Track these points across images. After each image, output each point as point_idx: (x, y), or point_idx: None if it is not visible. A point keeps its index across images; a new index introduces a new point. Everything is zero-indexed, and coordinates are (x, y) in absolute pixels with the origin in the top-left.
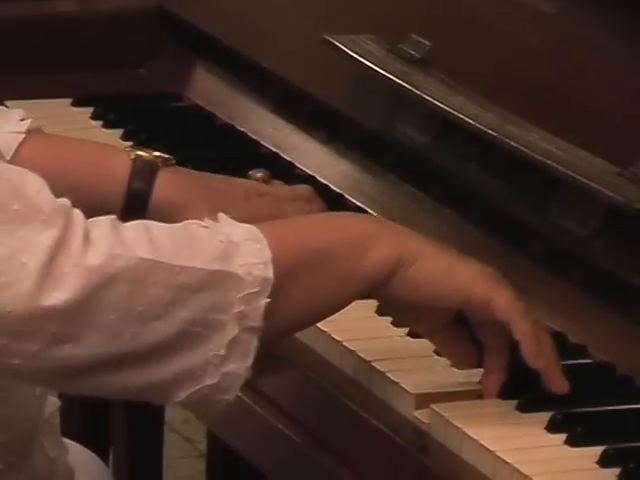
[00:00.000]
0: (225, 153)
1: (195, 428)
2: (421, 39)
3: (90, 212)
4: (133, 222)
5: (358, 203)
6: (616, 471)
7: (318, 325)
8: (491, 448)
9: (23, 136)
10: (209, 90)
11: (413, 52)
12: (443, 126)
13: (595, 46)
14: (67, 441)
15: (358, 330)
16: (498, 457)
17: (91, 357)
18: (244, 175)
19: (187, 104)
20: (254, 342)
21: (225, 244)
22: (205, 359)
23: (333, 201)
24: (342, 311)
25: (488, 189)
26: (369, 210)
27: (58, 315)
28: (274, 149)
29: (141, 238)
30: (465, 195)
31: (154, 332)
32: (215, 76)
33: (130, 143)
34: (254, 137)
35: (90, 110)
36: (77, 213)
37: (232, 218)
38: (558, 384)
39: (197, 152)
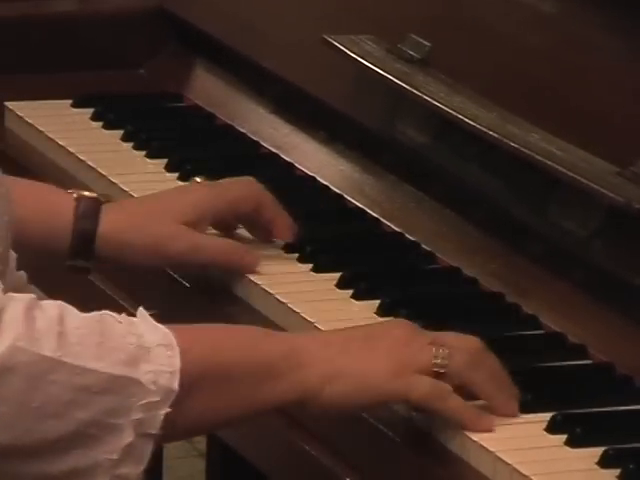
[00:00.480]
0: (225, 153)
1: None
2: (421, 39)
3: (41, 243)
4: (50, 306)
5: (358, 203)
6: (616, 472)
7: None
8: (491, 449)
9: None
10: (209, 90)
11: (413, 52)
12: (443, 126)
13: (595, 46)
14: None
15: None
16: (498, 458)
17: None
18: (246, 174)
19: (187, 104)
20: (149, 448)
21: (135, 348)
22: (96, 461)
23: (333, 202)
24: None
25: (488, 189)
26: (369, 210)
27: None
28: (274, 149)
29: (51, 331)
30: (465, 195)
31: (48, 429)
32: (215, 76)
33: (131, 144)
34: (254, 137)
35: (90, 111)
36: None
37: (178, 217)
38: (510, 413)
39: (197, 152)
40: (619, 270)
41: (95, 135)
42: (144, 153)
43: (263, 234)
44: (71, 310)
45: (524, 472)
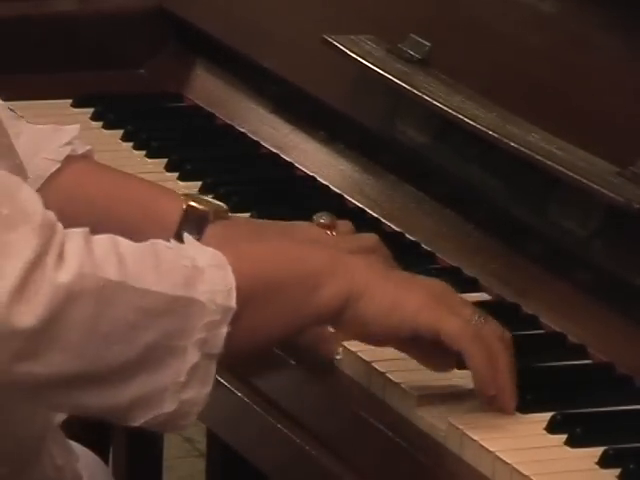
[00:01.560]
0: (225, 153)
1: (195, 428)
2: (421, 39)
3: None
4: (103, 237)
5: (358, 203)
6: (616, 472)
7: None
8: (491, 449)
9: (57, 165)
10: (209, 90)
11: (413, 52)
12: (443, 126)
13: (595, 46)
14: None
15: None
16: (498, 457)
17: (51, 376)
18: (246, 174)
19: (187, 104)
20: (213, 369)
21: (190, 269)
22: (164, 385)
23: (333, 201)
24: None
25: (488, 189)
26: (369, 210)
27: (24, 334)
28: (274, 149)
29: (110, 257)
30: (465, 195)
31: (116, 354)
32: (215, 76)
33: (131, 144)
34: (254, 137)
35: (90, 111)
36: (59, 228)
37: None
38: (506, 407)
39: (197, 152)
40: (619, 270)
41: (95, 135)
42: (144, 153)
43: None
44: (122, 239)
45: (524, 472)
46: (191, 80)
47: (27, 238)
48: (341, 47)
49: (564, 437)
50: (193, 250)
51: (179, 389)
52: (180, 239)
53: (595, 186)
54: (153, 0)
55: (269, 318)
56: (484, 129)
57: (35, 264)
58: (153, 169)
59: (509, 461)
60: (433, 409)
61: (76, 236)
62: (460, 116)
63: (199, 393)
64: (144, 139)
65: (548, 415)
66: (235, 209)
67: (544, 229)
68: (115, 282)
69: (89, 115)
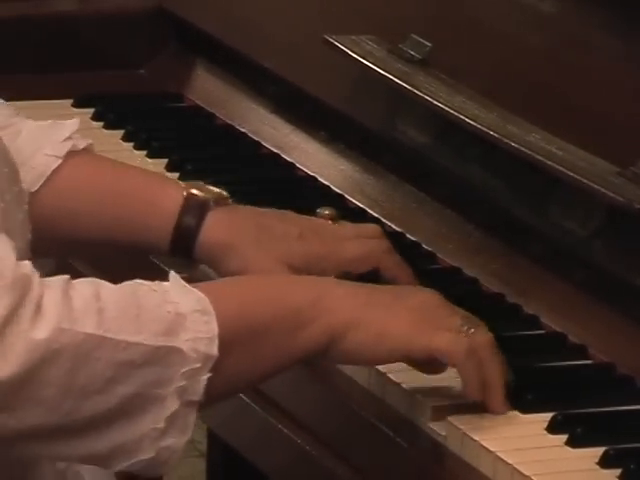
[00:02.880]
0: (225, 153)
1: (196, 428)
2: (421, 39)
3: (135, 245)
4: (84, 284)
5: (358, 203)
6: (617, 472)
7: None
8: (492, 449)
9: (59, 162)
10: (209, 90)
11: (413, 52)
12: (443, 126)
13: (595, 46)
14: None
15: None
16: (499, 457)
17: (24, 429)
18: (246, 174)
19: (187, 104)
20: (193, 416)
21: (172, 316)
22: (142, 433)
23: (334, 201)
24: None
25: (489, 189)
26: (369, 210)
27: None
28: (274, 149)
29: (90, 309)
30: (466, 195)
31: (92, 406)
32: (215, 76)
33: (132, 144)
34: (254, 137)
35: (91, 111)
36: (35, 280)
37: (284, 258)
38: (498, 410)
39: (197, 152)
40: (620, 270)
41: (96, 135)
42: (145, 153)
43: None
44: (105, 284)
45: (525, 472)
46: (191, 80)
47: None
48: (342, 47)
49: (565, 437)
50: (177, 294)
51: (158, 436)
52: (182, 226)
53: (596, 186)
54: (153, 0)
55: (251, 362)
56: (485, 129)
57: (9, 320)
58: (154, 169)
59: (510, 461)
60: (434, 409)
61: (54, 288)
62: (461, 116)
63: (178, 440)
64: (145, 139)
65: (549, 415)
66: None
67: (545, 229)
68: (94, 336)
69: (90, 115)
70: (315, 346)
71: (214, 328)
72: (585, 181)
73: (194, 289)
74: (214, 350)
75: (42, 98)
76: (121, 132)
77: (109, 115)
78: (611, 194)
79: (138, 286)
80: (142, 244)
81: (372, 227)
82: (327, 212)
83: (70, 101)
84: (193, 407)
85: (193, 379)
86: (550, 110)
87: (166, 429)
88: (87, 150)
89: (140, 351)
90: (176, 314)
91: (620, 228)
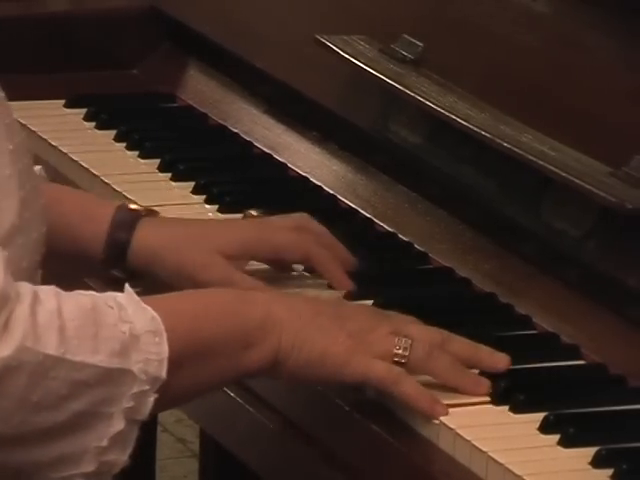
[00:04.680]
0: (218, 153)
1: (188, 428)
2: (413, 40)
3: (73, 252)
4: (49, 297)
5: (351, 204)
6: (609, 472)
7: None
8: (484, 448)
9: None
10: (202, 90)
11: (405, 52)
12: (435, 126)
13: (587, 46)
14: None
15: None
16: (490, 457)
17: None
18: (239, 175)
19: (180, 105)
20: (135, 433)
21: (127, 337)
22: (85, 448)
23: (326, 202)
24: None
25: (481, 189)
26: (361, 210)
27: None
28: (267, 149)
29: (52, 327)
30: (458, 195)
31: (42, 420)
32: (208, 76)
33: (124, 144)
34: (247, 137)
35: (83, 111)
36: (11, 296)
37: (219, 249)
38: (476, 391)
39: (190, 153)
40: (612, 270)
41: (88, 135)
42: (137, 153)
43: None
44: (66, 298)
45: (517, 472)
46: (184, 80)
47: None
48: (334, 47)
49: (557, 437)
50: (132, 311)
51: (100, 452)
52: (114, 236)
53: (588, 186)
54: (146, 1)
55: (198, 379)
56: (477, 129)
57: None
58: (146, 169)
59: (502, 461)
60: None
61: (24, 301)
62: (453, 116)
63: (119, 457)
64: (137, 139)
65: (541, 415)
66: (228, 209)
67: (537, 229)
68: (53, 357)
69: (82, 115)
70: (261, 365)
71: (165, 350)
72: (577, 181)
73: (147, 307)
74: (163, 373)
75: (34, 98)
76: (113, 132)
77: (101, 115)
78: (603, 194)
79: (97, 301)
80: (77, 253)
81: (300, 217)
82: (254, 213)
83: (62, 101)
84: (137, 425)
85: (140, 400)
86: (542, 110)
87: (109, 447)
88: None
89: (95, 372)
90: (130, 335)
91: (612, 228)
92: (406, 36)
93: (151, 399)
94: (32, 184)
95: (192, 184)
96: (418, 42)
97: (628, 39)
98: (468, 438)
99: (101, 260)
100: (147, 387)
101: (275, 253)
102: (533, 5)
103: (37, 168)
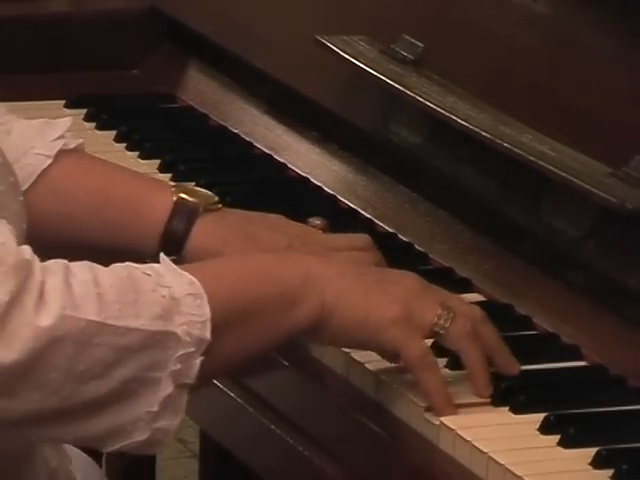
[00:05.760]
0: (218, 154)
1: (188, 428)
2: (414, 40)
3: (123, 250)
4: (82, 269)
5: (351, 204)
6: (609, 472)
7: None
8: (484, 449)
9: (49, 161)
10: (202, 91)
11: (406, 53)
12: (436, 127)
13: (587, 47)
14: None
15: None
16: (491, 458)
17: (26, 413)
18: (239, 175)
19: (180, 105)
20: (185, 398)
21: (167, 300)
22: (137, 415)
23: (326, 202)
24: None
25: (481, 190)
26: (362, 211)
27: (2, 372)
28: (267, 150)
29: (90, 295)
30: (458, 196)
31: (91, 390)
32: (208, 77)
33: (124, 145)
34: (247, 138)
35: (83, 112)
36: (36, 266)
37: None
38: (510, 370)
39: (190, 153)
40: (612, 271)
41: (88, 136)
42: (137, 154)
43: None
44: (100, 268)
45: (517, 472)
46: (184, 81)
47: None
48: (334, 48)
49: (557, 438)
50: (170, 277)
51: (152, 419)
52: (170, 232)
53: (588, 187)
54: (146, 1)
55: (244, 342)
56: (477, 130)
57: (12, 306)
58: (146, 170)
59: (502, 462)
60: (426, 409)
61: (56, 273)
62: (453, 117)
63: (171, 422)
64: (137, 140)
65: (541, 416)
66: None
67: (537, 230)
68: (96, 322)
69: (82, 116)
70: (305, 323)
71: (207, 312)
72: (577, 182)
73: (185, 272)
74: (207, 334)
75: (34, 99)
76: (114, 133)
77: (102, 116)
78: (603, 194)
79: (132, 269)
80: (128, 250)
81: (363, 238)
82: (318, 222)
83: (62, 102)
84: (185, 389)
85: (187, 363)
86: (542, 110)
87: (160, 412)
88: (77, 149)
89: (138, 336)
90: (170, 298)
91: (613, 229)
92: (406, 37)
93: (197, 361)
94: (7, 184)
95: (192, 185)
96: (418, 43)
97: (628, 39)
98: (468, 439)
99: (154, 254)
100: (192, 349)
101: None
102: (533, 6)
103: (60, 142)
